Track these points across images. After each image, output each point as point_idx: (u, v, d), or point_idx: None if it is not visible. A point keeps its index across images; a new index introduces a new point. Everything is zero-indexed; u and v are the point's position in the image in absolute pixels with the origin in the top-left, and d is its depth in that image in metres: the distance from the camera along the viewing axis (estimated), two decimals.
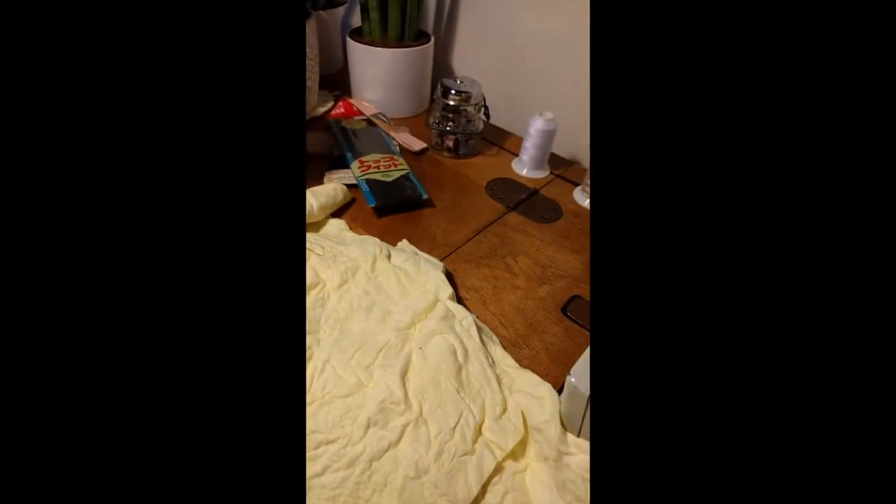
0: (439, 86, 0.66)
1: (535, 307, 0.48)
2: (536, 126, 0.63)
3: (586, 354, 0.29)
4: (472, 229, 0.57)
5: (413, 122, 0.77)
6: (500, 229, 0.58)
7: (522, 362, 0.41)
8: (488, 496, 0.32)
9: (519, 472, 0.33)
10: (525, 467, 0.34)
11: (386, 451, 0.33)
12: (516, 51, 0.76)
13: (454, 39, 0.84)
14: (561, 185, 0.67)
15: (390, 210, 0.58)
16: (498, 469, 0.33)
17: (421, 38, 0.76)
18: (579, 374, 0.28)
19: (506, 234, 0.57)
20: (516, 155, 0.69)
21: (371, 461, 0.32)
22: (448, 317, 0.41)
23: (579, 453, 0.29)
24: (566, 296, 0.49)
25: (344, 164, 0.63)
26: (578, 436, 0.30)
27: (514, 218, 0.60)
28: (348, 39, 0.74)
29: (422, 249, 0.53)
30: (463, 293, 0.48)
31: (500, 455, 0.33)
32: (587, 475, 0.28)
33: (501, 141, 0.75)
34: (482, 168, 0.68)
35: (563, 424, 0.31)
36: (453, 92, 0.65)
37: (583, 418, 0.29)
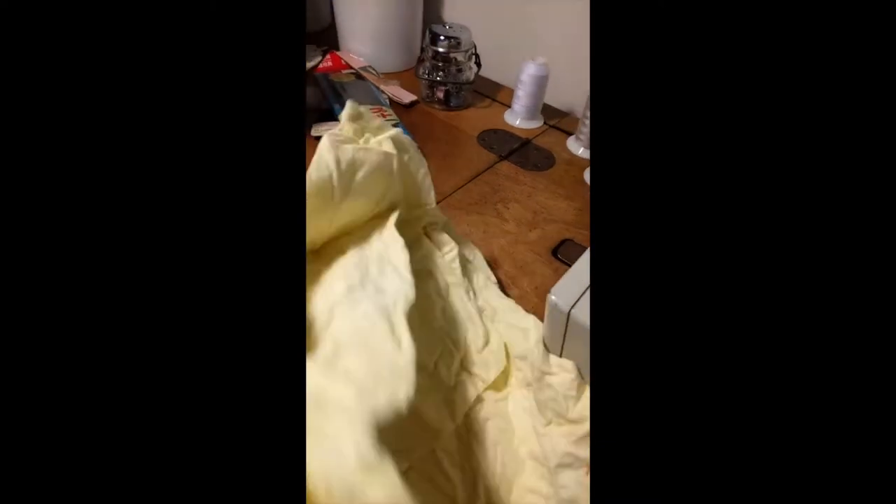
0: (428, 32, 0.63)
1: (524, 250, 0.47)
2: (528, 72, 0.61)
3: (566, 276, 0.29)
4: (463, 178, 0.56)
5: (404, 77, 0.74)
6: (492, 178, 0.56)
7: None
8: (470, 423, 0.32)
9: (500, 401, 0.33)
10: (507, 396, 0.33)
11: None
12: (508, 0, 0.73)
13: None
14: (555, 134, 0.65)
15: None
16: (479, 399, 0.33)
17: None
18: (559, 293, 0.27)
19: (497, 183, 0.56)
20: (509, 107, 0.67)
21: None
22: (430, 254, 0.40)
23: (561, 372, 0.29)
24: (557, 239, 0.48)
25: (332, 118, 0.62)
26: (560, 356, 0.29)
27: (506, 167, 0.58)
28: None
29: None
30: None
31: (481, 386, 0.33)
32: (569, 392, 0.28)
33: (494, 93, 0.73)
34: (474, 120, 0.66)
35: (545, 346, 0.30)
36: (442, 38, 0.62)
37: (563, 337, 0.28)
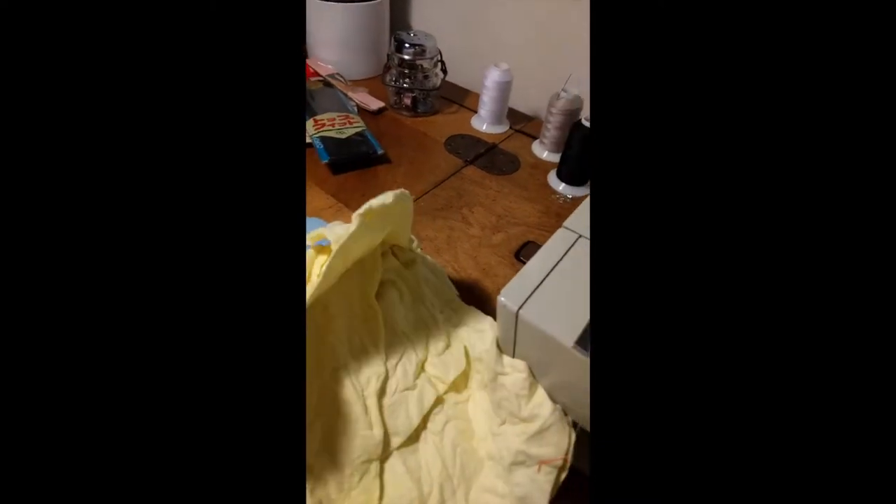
0: (393, 40, 0.64)
1: (488, 253, 0.48)
2: (493, 78, 0.62)
3: (517, 277, 0.29)
4: (430, 183, 0.57)
5: (371, 84, 0.75)
6: (458, 182, 0.57)
7: (473, 303, 0.41)
8: (430, 425, 0.32)
9: (461, 403, 0.34)
10: (468, 398, 0.34)
11: (328, 394, 0.32)
12: (474, 6, 0.74)
13: None
14: (520, 139, 0.66)
15: (345, 167, 0.57)
16: (439, 401, 0.33)
17: None
18: (508, 294, 0.28)
19: (463, 187, 0.56)
20: (476, 112, 0.68)
21: (315, 407, 0.32)
22: (394, 266, 0.41)
23: (514, 372, 0.29)
24: (520, 241, 0.49)
25: None
26: (513, 356, 0.30)
27: (472, 171, 0.59)
28: None
29: None
30: None
31: (441, 388, 0.34)
32: (521, 392, 0.28)
33: (461, 99, 0.74)
34: (441, 125, 0.67)
35: (499, 347, 0.31)
36: (407, 45, 0.63)
37: (514, 337, 0.29)
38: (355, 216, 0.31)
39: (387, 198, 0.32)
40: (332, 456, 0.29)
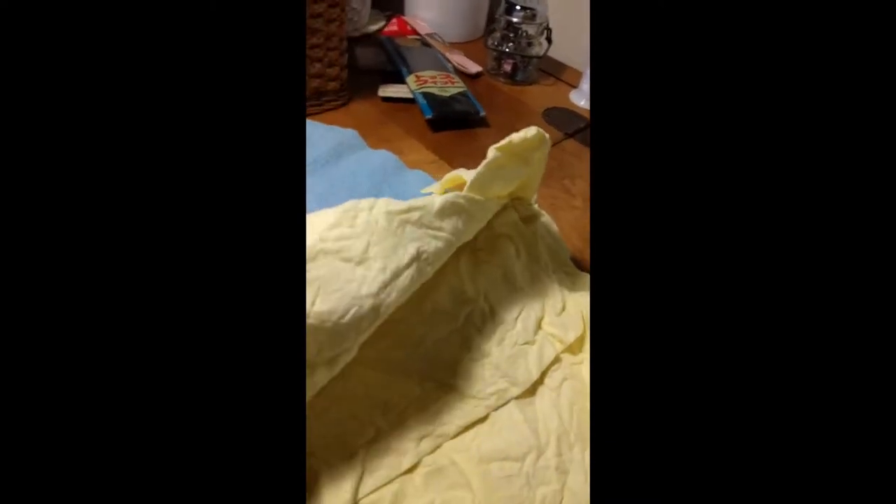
0: (503, 1, 0.62)
1: None
2: None
3: None
4: None
5: (467, 48, 0.74)
6: (558, 153, 0.56)
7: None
8: (547, 380, 0.32)
9: (576, 364, 0.34)
10: (582, 360, 0.34)
11: (449, 334, 0.33)
12: None
13: None
14: None
15: (446, 125, 0.56)
16: (557, 360, 0.33)
17: None
18: None
19: (563, 159, 0.55)
20: (574, 87, 0.66)
21: (436, 341, 0.32)
22: (512, 219, 0.40)
23: None
24: None
25: (399, 80, 0.62)
26: None
27: (571, 145, 0.58)
28: None
29: (475, 167, 0.52)
30: None
31: (559, 347, 0.34)
32: None
33: (559, 72, 0.72)
34: (538, 96, 0.66)
35: None
36: (518, 8, 0.61)
37: None
38: (492, 149, 0.31)
39: (529, 131, 0.31)
40: (454, 394, 0.30)
